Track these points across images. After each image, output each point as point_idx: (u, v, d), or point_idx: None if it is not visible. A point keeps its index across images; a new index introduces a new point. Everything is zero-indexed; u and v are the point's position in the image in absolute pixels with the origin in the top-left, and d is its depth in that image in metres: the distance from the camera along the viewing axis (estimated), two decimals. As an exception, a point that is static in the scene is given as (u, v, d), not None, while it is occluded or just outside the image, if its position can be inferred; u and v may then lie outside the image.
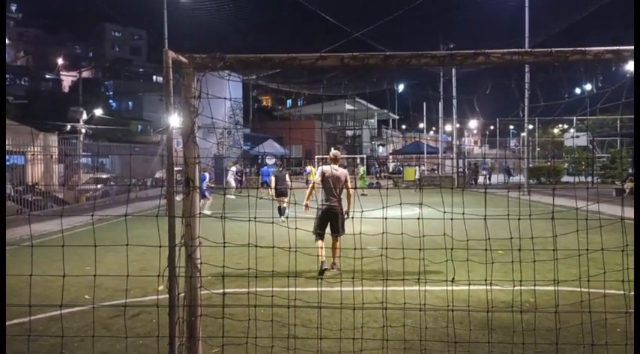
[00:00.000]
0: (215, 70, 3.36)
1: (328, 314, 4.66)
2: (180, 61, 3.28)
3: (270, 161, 35.74)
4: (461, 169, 30.90)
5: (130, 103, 59.56)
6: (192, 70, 3.31)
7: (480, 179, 32.67)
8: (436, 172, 34.68)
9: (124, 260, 7.80)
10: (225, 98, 3.27)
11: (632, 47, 3.39)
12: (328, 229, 6.62)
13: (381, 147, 55.10)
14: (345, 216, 6.59)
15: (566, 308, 3.88)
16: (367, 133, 50.83)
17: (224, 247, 2.97)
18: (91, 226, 11.93)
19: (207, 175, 15.64)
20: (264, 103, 75.11)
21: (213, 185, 16.59)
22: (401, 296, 4.09)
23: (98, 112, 37.07)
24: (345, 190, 6.75)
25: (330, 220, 6.52)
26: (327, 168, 6.68)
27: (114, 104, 58.95)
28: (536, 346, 3.59)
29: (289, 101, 71.88)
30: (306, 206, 6.68)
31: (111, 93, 61.12)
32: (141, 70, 68.02)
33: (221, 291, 3.77)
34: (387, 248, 3.21)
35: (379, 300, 4.36)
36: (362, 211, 3.29)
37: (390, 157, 45.66)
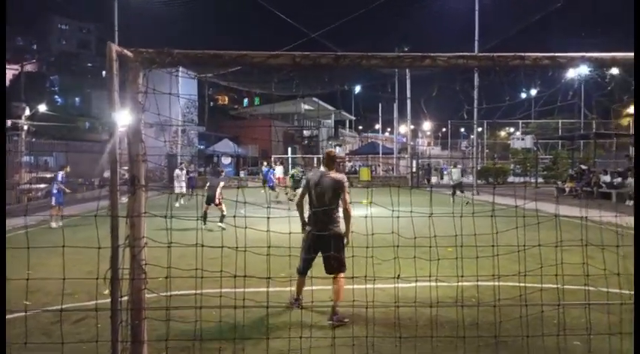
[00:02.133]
0: (163, 65, 3.28)
1: (279, 314, 4.65)
2: (125, 55, 3.18)
3: (225, 161, 35.22)
4: (415, 170, 31.72)
5: (77, 99, 56.96)
6: (138, 65, 3.22)
7: (434, 179, 33.68)
8: (391, 172, 35.42)
9: (69, 263, 7.46)
10: (170, 94, 3.19)
11: (568, 54, 3.60)
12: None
13: (337, 147, 55.56)
14: (345, 243, 4.71)
15: (507, 302, 4.07)
16: (324, 133, 51.14)
17: (169, 247, 2.91)
18: (33, 228, 11.32)
19: (60, 174, 12.14)
20: (220, 101, 73.88)
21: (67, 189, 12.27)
22: (352, 294, 4.15)
23: (42, 107, 35.18)
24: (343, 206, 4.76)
25: (321, 249, 4.64)
26: (313, 174, 4.96)
27: (59, 100, 56.18)
28: (479, 339, 3.75)
29: (246, 100, 71.15)
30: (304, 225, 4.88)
31: (56, 88, 58.22)
32: (89, 64, 65.20)
33: (169, 293, 3.68)
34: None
35: (331, 298, 4.41)
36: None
37: (347, 157, 46.13)
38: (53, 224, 11.58)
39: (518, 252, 3.47)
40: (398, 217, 3.43)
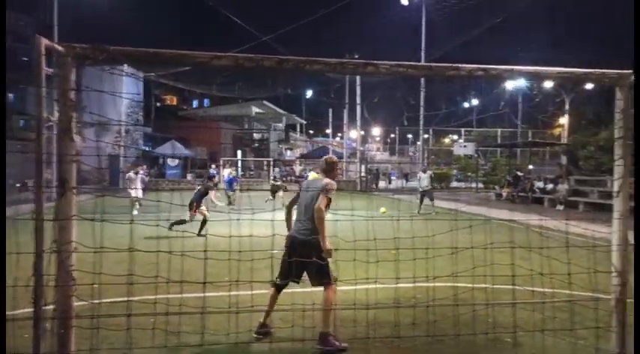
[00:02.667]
0: (97, 62, 3.15)
1: (222, 319, 4.56)
2: (56, 50, 3.03)
3: (172, 163, 34.20)
4: (364, 174, 32.29)
5: (10, 95, 53.41)
6: (70, 61, 3.07)
7: (382, 184, 34.44)
8: (340, 176, 35.86)
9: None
10: (101, 91, 3.07)
11: (499, 67, 3.81)
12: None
13: (288, 151, 55.54)
14: (324, 254, 4.01)
15: (443, 302, 4.22)
16: (275, 137, 50.97)
17: (94, 252, 2.79)
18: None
19: None
20: (169, 101, 71.73)
21: None
22: (295, 297, 4.15)
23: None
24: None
25: (299, 256, 4.03)
26: (308, 180, 4.85)
27: (-10, 95, 52.41)
28: (415, 339, 3.86)
29: (195, 102, 69.59)
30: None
31: (-13, 83, 54.26)
32: (25, 59, 61.36)
33: (100, 300, 3.53)
34: (274, 250, 3.24)
35: (283, 302, 4.35)
36: (253, 213, 3.29)
37: (298, 161, 46.19)
38: None
39: (452, 254, 3.62)
40: (337, 221, 3.47)
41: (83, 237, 3.00)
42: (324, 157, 4.61)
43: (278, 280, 4.20)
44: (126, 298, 3.20)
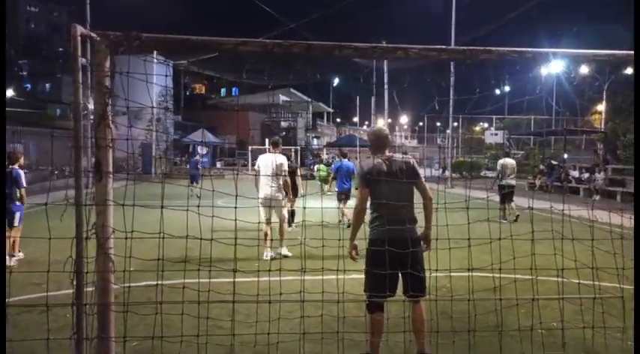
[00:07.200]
0: (131, 49, 3.17)
1: (255, 307, 4.58)
2: (91, 37, 3.06)
3: (202, 151, 34.67)
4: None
5: (47, 84, 55.24)
6: (105, 48, 3.10)
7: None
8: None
9: (36, 253, 7.23)
10: (128, 74, 3.08)
11: (534, 49, 3.63)
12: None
13: (315, 139, 55.51)
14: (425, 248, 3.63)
15: (481, 294, 4.10)
16: (302, 125, 50.98)
17: (126, 238, 2.83)
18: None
19: (20, 172, 7.16)
20: (197, 90, 72.65)
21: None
22: (328, 286, 4.11)
23: (9, 93, 33.90)
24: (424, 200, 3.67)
25: (400, 263, 3.40)
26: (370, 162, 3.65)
27: (28, 85, 54.40)
28: (454, 334, 3.75)
29: (223, 90, 70.23)
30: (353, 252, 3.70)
31: (25, 73, 56.28)
32: (61, 49, 63.13)
33: (143, 283, 3.60)
34: (306, 238, 3.21)
35: (314, 290, 4.33)
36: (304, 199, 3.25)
37: (325, 149, 46.12)
38: (14, 259, 6.98)
39: (490, 243, 3.51)
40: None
41: (122, 223, 3.05)
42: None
43: (375, 299, 3.59)
44: (153, 282, 3.23)
